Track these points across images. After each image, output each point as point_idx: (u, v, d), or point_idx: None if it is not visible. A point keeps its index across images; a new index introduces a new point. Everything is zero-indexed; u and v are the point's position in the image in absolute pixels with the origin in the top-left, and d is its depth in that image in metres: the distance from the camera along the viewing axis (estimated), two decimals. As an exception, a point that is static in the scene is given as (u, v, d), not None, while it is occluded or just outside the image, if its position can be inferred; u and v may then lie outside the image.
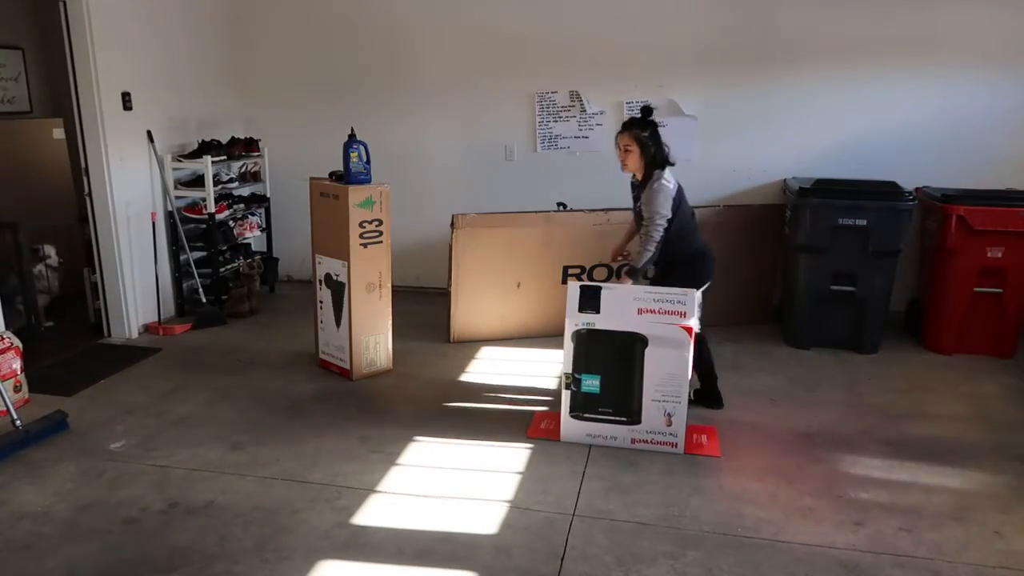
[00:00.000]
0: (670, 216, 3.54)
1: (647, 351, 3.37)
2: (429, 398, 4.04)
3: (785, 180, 5.18)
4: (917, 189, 4.82)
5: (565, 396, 3.48)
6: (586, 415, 3.49)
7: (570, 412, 3.50)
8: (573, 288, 3.41)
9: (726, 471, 3.26)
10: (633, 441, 3.47)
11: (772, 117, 5.25)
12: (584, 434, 3.50)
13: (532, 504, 3.02)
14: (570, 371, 3.45)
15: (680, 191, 3.64)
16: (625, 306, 3.37)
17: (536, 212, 4.84)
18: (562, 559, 2.68)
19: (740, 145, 5.35)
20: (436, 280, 5.60)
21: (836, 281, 4.62)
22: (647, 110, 3.65)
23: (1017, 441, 3.55)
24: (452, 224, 4.68)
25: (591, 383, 3.45)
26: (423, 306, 5.50)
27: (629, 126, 3.63)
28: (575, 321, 3.39)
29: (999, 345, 4.59)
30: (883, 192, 4.54)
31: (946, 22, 4.89)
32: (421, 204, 5.64)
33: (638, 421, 3.44)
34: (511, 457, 3.40)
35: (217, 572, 2.61)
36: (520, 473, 3.26)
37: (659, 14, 5.24)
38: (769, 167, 5.33)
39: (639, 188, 3.69)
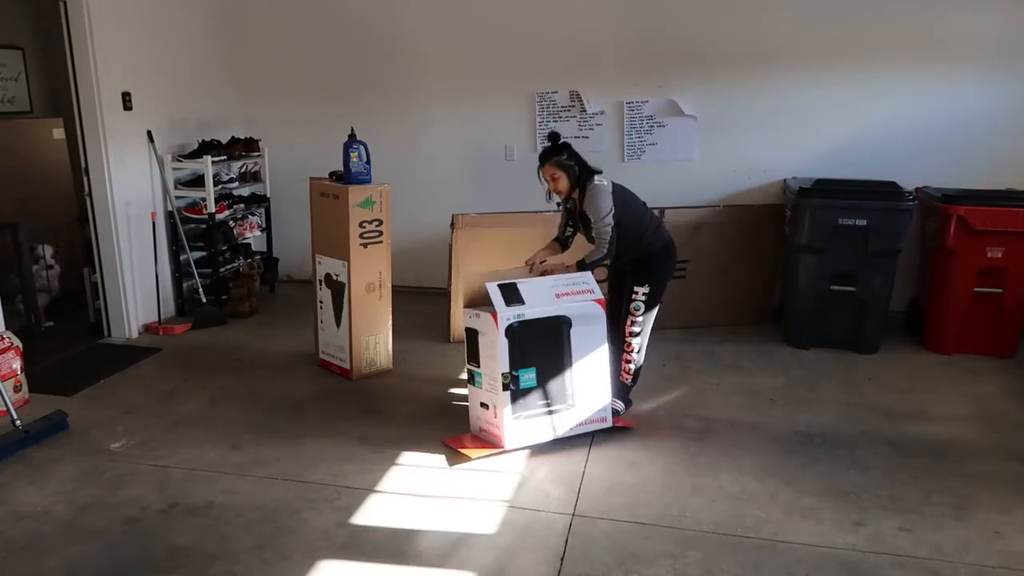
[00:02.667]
0: (613, 211, 3.51)
1: (572, 331, 3.46)
2: (429, 398, 4.04)
3: (785, 180, 5.18)
4: (917, 189, 4.81)
5: (503, 398, 3.35)
6: (526, 415, 3.41)
7: (512, 414, 3.38)
8: (492, 288, 3.39)
9: (726, 471, 3.26)
10: (572, 428, 3.50)
11: (772, 117, 5.25)
12: (528, 435, 3.43)
13: (532, 504, 3.02)
14: (507, 370, 3.34)
15: (621, 188, 3.65)
16: (545, 293, 3.46)
17: (536, 212, 4.83)
18: (562, 559, 2.68)
19: (740, 145, 5.35)
20: (436, 280, 5.60)
21: (836, 281, 4.62)
22: (554, 136, 3.66)
23: (1017, 441, 3.55)
24: (452, 224, 4.68)
25: (528, 377, 3.41)
26: (423, 306, 5.50)
27: (546, 157, 3.60)
28: (506, 316, 3.34)
29: (999, 345, 4.59)
30: (883, 192, 4.54)
31: (946, 22, 4.88)
32: (421, 204, 5.64)
33: (572, 404, 3.49)
34: (511, 457, 3.39)
35: (217, 572, 2.61)
36: (520, 473, 3.26)
37: (659, 14, 5.24)
38: (769, 167, 5.33)
39: (578, 205, 3.65)
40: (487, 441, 3.47)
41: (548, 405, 3.45)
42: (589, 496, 3.08)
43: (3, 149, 5.48)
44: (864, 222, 4.47)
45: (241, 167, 5.82)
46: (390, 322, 4.34)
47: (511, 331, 3.35)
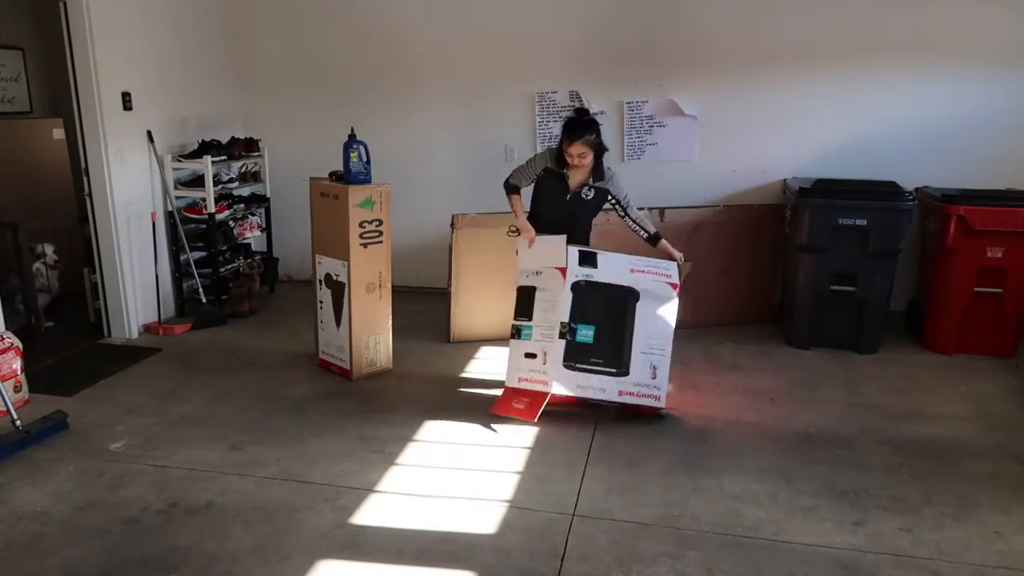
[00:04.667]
0: None
1: (638, 305, 3.59)
2: (429, 398, 4.04)
3: (785, 180, 5.18)
4: (917, 189, 4.82)
5: (559, 346, 3.54)
6: (578, 365, 3.56)
7: (563, 362, 3.56)
8: (572, 250, 3.57)
9: (726, 471, 3.27)
10: (620, 393, 3.58)
11: (772, 117, 5.25)
12: (575, 385, 3.58)
13: (532, 504, 3.02)
14: (566, 320, 3.54)
15: None
16: (619, 266, 3.61)
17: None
18: (562, 559, 2.68)
19: (740, 145, 5.35)
20: (436, 280, 5.60)
21: (836, 281, 4.62)
22: (584, 111, 3.76)
23: (1017, 441, 3.55)
24: (452, 224, 4.68)
25: (586, 333, 3.56)
26: (423, 306, 5.50)
27: (579, 133, 3.61)
28: (575, 273, 3.53)
29: (999, 345, 4.59)
30: (883, 192, 4.54)
31: (946, 22, 4.89)
32: (421, 204, 5.64)
33: (627, 373, 3.58)
34: (511, 457, 3.40)
35: (217, 572, 2.61)
36: (520, 473, 3.26)
37: (660, 14, 5.24)
38: (769, 167, 5.33)
39: (584, 189, 3.77)
40: (529, 392, 3.60)
41: (601, 364, 3.56)
42: (589, 496, 3.08)
43: (3, 149, 5.48)
44: (864, 222, 4.47)
45: (241, 167, 5.82)
46: (390, 322, 4.34)
47: (577, 287, 3.55)
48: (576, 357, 3.59)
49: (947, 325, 4.63)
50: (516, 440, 3.55)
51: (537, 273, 3.67)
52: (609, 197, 3.82)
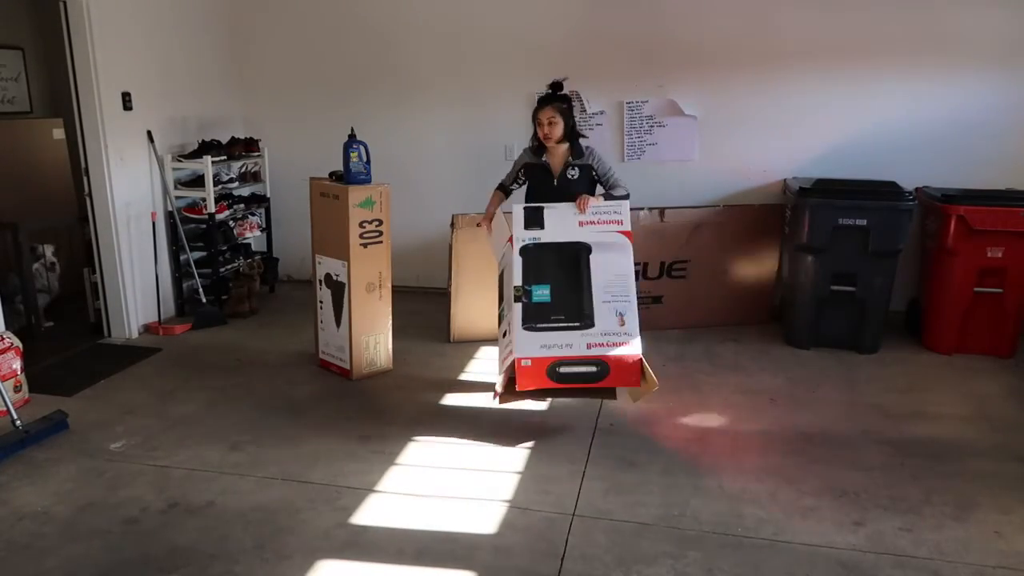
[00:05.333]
0: None
1: (592, 257, 3.55)
2: (429, 398, 4.04)
3: (785, 180, 5.18)
4: (917, 189, 4.81)
5: (516, 310, 3.45)
6: (539, 325, 3.45)
7: (523, 325, 3.44)
8: (517, 210, 3.58)
9: (726, 471, 3.26)
10: (589, 346, 3.41)
11: (772, 117, 5.25)
12: (538, 346, 3.40)
13: (532, 504, 3.02)
14: (519, 283, 3.51)
15: None
16: (567, 221, 3.58)
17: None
18: (562, 559, 2.68)
19: (740, 145, 5.35)
20: (436, 280, 5.60)
21: (836, 281, 4.62)
22: (558, 84, 3.81)
23: (1017, 441, 3.55)
24: (452, 224, 4.68)
25: (541, 292, 3.50)
26: (423, 306, 5.50)
27: (548, 100, 3.76)
28: (521, 238, 3.54)
29: (999, 345, 4.59)
30: (883, 192, 4.54)
31: (946, 22, 4.88)
32: (421, 204, 5.64)
33: (591, 324, 3.45)
34: (511, 457, 3.40)
35: (217, 572, 2.61)
36: (520, 473, 3.27)
37: (660, 14, 5.24)
38: (769, 167, 5.33)
39: (567, 170, 3.81)
40: (510, 370, 3.45)
41: (562, 320, 3.48)
42: (589, 496, 3.08)
43: (3, 149, 5.48)
44: (864, 222, 4.47)
45: (241, 167, 5.82)
46: (390, 322, 4.34)
47: (525, 250, 3.55)
48: (535, 318, 3.46)
49: (947, 325, 4.63)
50: (516, 440, 3.55)
51: (502, 256, 3.70)
52: (593, 173, 3.84)
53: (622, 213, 3.62)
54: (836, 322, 4.69)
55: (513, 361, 3.39)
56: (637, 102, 5.42)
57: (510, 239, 3.61)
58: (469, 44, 5.59)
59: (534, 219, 3.60)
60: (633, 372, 3.42)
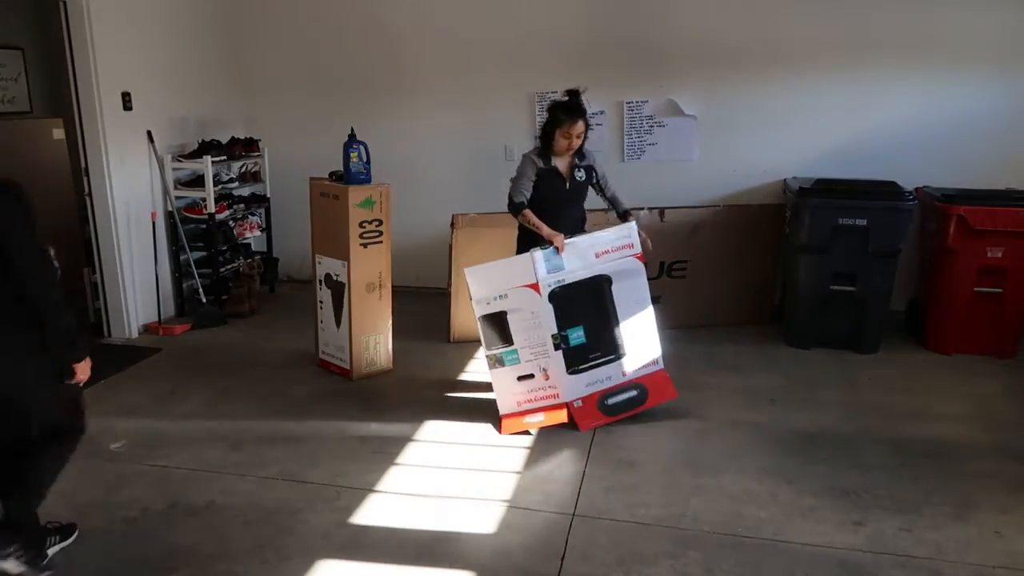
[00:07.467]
0: None
1: (613, 288, 3.67)
2: (429, 398, 4.04)
3: (785, 180, 5.18)
4: (917, 189, 4.81)
5: (558, 358, 3.61)
6: (581, 367, 3.66)
7: (567, 370, 3.63)
8: (537, 253, 3.54)
9: (726, 471, 3.26)
10: (624, 373, 3.72)
11: (772, 117, 5.25)
12: (584, 386, 3.67)
13: (532, 504, 3.02)
14: (556, 331, 3.59)
15: None
16: (585, 255, 3.62)
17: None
18: (562, 559, 2.68)
19: (740, 145, 5.35)
20: (436, 280, 5.59)
21: (836, 281, 4.62)
22: (574, 92, 3.75)
23: (1017, 441, 3.55)
24: (452, 224, 4.68)
25: (577, 335, 3.64)
26: (423, 306, 5.50)
27: (582, 112, 3.71)
28: (547, 283, 3.55)
29: (999, 345, 4.59)
30: (883, 192, 4.54)
31: (946, 22, 4.88)
32: (421, 204, 5.64)
33: (624, 354, 3.72)
34: (511, 457, 3.40)
35: (217, 572, 2.61)
36: (520, 473, 3.27)
37: (659, 14, 5.24)
38: (769, 167, 5.32)
39: (575, 172, 3.80)
40: (542, 408, 3.64)
41: (599, 356, 3.66)
42: (589, 496, 3.08)
43: (3, 149, 5.47)
44: (864, 222, 4.46)
45: (241, 167, 5.82)
46: (390, 322, 4.34)
47: (554, 296, 3.56)
48: (576, 361, 3.65)
49: (947, 325, 4.63)
50: (516, 440, 3.55)
51: (500, 297, 3.55)
52: (593, 174, 3.86)
53: (632, 237, 3.70)
54: (836, 322, 4.69)
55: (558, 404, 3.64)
56: (637, 102, 5.42)
57: (531, 285, 3.53)
58: (469, 43, 5.59)
59: (552, 260, 3.57)
60: (667, 385, 3.80)
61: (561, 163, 3.78)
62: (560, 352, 3.61)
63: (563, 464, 3.34)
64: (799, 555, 2.70)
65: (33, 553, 2.52)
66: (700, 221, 4.98)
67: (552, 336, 3.59)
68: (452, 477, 3.23)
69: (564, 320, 3.60)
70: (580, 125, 3.68)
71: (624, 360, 3.72)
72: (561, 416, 3.65)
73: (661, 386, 3.79)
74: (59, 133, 5.84)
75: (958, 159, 4.97)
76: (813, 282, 4.66)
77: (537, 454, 3.43)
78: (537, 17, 5.43)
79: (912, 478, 3.21)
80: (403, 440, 3.55)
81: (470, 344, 4.81)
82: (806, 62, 5.11)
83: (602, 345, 3.69)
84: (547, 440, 3.56)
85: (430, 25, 5.62)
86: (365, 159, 4.13)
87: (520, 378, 3.63)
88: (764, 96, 5.23)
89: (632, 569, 2.62)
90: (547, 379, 3.62)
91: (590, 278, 3.62)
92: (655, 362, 3.79)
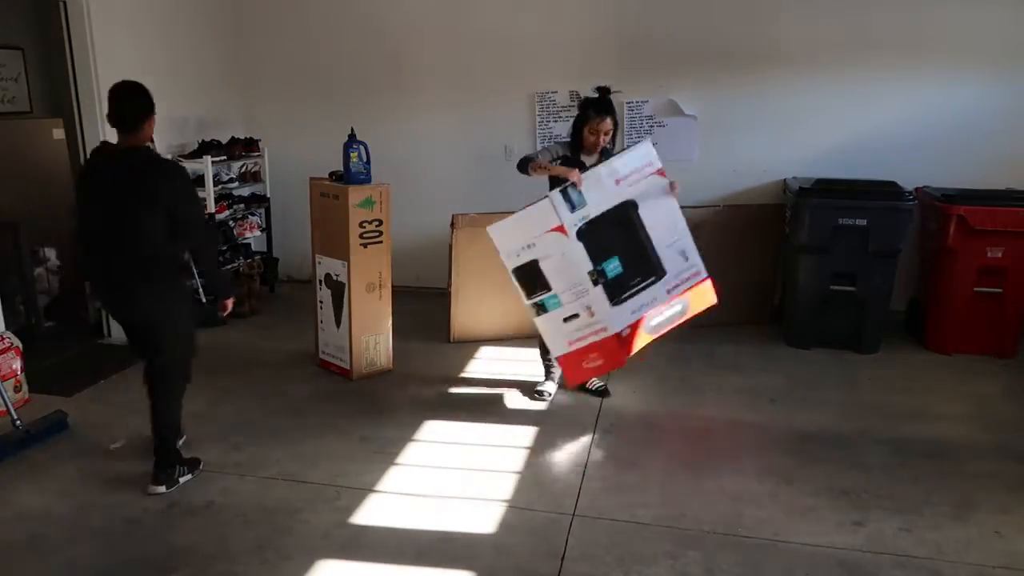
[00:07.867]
0: None
1: (640, 211, 3.56)
2: (429, 398, 4.04)
3: (785, 180, 5.18)
4: (917, 189, 4.81)
5: (599, 293, 3.54)
6: (624, 296, 3.59)
7: (611, 303, 3.56)
8: (556, 195, 3.47)
9: (726, 471, 3.26)
10: (668, 292, 3.62)
11: (772, 117, 5.25)
12: (629, 313, 3.60)
13: (532, 504, 3.02)
14: (592, 268, 3.53)
15: None
16: (605, 185, 3.51)
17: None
18: (562, 559, 2.68)
19: (740, 145, 5.35)
20: (436, 280, 5.59)
21: (836, 281, 4.62)
22: (605, 89, 3.69)
23: (1017, 441, 3.55)
24: (452, 224, 4.68)
25: (614, 266, 3.56)
26: (423, 306, 5.50)
27: (612, 109, 3.66)
28: (572, 223, 3.48)
29: (999, 345, 4.59)
30: (883, 192, 4.54)
31: (945, 22, 4.88)
32: (421, 204, 5.63)
33: (664, 272, 3.61)
34: (511, 457, 3.40)
35: (217, 572, 2.61)
36: (519, 473, 3.27)
37: (660, 14, 5.24)
38: (769, 167, 5.32)
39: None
40: (592, 346, 3.60)
41: (640, 281, 3.59)
42: (589, 496, 3.08)
43: (3, 149, 5.46)
44: (864, 222, 4.47)
45: (241, 167, 5.82)
46: (390, 322, 4.34)
47: (582, 234, 3.50)
48: (618, 291, 3.57)
49: (947, 325, 4.63)
50: (516, 440, 3.55)
51: (529, 246, 3.54)
52: None
53: (651, 155, 3.55)
54: (836, 322, 4.69)
55: (607, 337, 3.58)
56: (637, 102, 5.42)
57: (556, 228, 3.50)
58: (469, 44, 5.59)
59: (572, 197, 3.49)
60: (707, 293, 3.72)
61: (588, 160, 3.74)
62: (600, 287, 3.54)
63: (563, 464, 3.34)
64: (799, 555, 2.70)
65: (169, 472, 3.14)
66: (700, 221, 4.94)
67: (588, 273, 3.53)
68: (452, 477, 3.23)
69: (597, 255, 3.53)
70: (608, 123, 3.64)
71: (666, 278, 3.62)
72: (620, 359, 3.65)
73: (701, 294, 3.69)
74: (59, 133, 5.82)
75: (958, 159, 4.97)
76: (813, 282, 4.66)
77: (537, 454, 3.43)
78: (537, 17, 5.43)
79: (912, 478, 3.21)
80: (403, 440, 3.55)
81: (470, 344, 4.81)
82: (806, 62, 5.11)
83: (641, 270, 3.59)
84: (547, 440, 3.56)
85: (430, 25, 5.62)
86: (365, 159, 4.13)
87: (566, 320, 3.61)
88: (764, 96, 5.23)
89: (632, 569, 2.62)
90: (592, 315, 3.57)
91: (615, 207, 3.51)
92: (697, 273, 3.68)
